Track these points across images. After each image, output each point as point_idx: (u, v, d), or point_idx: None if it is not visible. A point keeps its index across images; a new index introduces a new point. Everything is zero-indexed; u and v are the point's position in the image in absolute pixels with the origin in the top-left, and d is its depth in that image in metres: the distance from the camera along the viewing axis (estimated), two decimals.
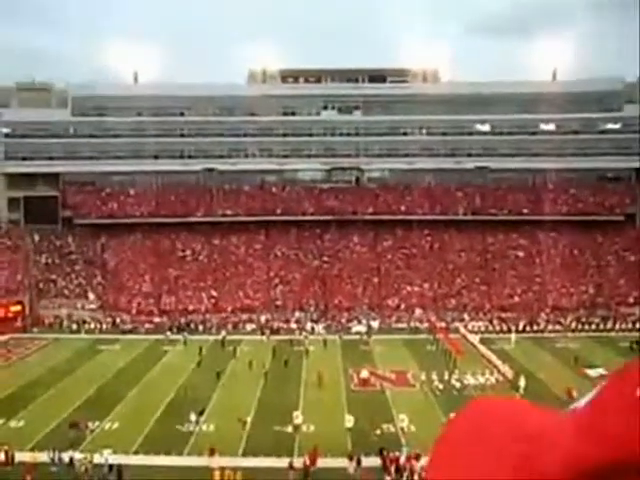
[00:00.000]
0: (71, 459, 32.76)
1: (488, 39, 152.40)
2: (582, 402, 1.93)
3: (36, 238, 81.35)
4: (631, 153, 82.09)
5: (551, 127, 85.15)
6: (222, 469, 31.05)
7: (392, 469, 31.66)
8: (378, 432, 37.57)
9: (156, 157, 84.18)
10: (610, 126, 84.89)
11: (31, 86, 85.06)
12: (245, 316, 72.21)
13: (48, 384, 47.88)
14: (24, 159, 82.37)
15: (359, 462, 32.70)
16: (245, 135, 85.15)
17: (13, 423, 39.81)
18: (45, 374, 51.05)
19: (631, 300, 74.09)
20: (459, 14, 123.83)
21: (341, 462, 32.90)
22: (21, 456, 33.53)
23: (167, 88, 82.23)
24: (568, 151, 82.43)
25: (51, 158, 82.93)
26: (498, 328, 68.99)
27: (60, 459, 32.89)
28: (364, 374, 49.89)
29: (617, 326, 68.99)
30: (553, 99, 79.21)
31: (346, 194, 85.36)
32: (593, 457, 1.59)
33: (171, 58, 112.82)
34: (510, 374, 47.64)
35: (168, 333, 65.92)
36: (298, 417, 39.07)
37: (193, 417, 39.28)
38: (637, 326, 68.36)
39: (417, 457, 32.10)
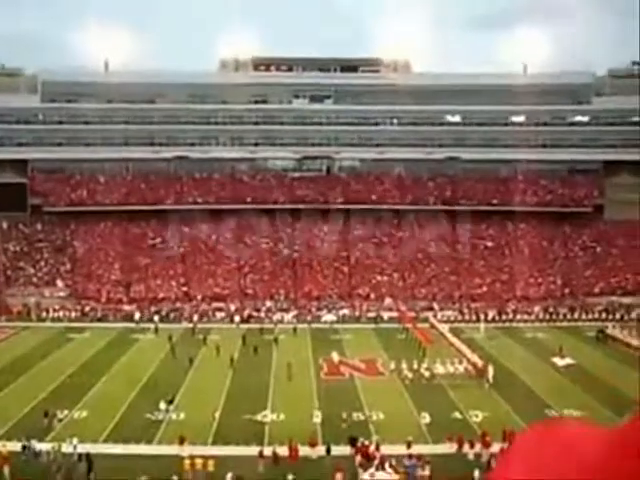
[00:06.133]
0: (38, 449, 32.60)
1: (460, 31, 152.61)
2: None
3: (4, 225, 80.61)
4: (600, 145, 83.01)
5: (521, 119, 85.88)
6: (192, 458, 31.08)
7: (362, 457, 31.87)
8: (347, 421, 37.74)
9: (126, 144, 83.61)
10: (579, 118, 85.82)
11: (0, 71, 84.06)
12: (215, 304, 72.07)
13: (17, 373, 47.50)
14: None
15: (329, 451, 32.90)
16: (216, 123, 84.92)
17: None
18: (13, 363, 50.61)
19: (597, 290, 75.07)
20: (431, 6, 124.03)
21: (311, 450, 33.08)
22: None
23: (138, 75, 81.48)
24: (538, 143, 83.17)
25: (20, 144, 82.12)
26: (467, 317, 69.61)
27: (28, 448, 32.69)
28: (335, 358, 50.36)
29: (584, 316, 69.78)
30: (524, 91, 79.70)
31: (317, 183, 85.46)
32: None
33: (142, 45, 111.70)
34: (479, 363, 48.04)
35: (138, 320, 65.99)
36: (267, 408, 39.21)
37: (163, 406, 39.22)
38: (603, 316, 69.25)
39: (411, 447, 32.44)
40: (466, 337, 59.45)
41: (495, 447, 31.78)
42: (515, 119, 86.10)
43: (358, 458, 32.02)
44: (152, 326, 63.27)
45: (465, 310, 71.54)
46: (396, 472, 30.57)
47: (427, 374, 46.74)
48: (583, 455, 1.78)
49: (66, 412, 39.13)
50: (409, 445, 32.87)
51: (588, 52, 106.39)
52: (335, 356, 51.04)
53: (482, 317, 67.70)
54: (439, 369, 47.83)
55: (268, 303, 72.71)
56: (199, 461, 30.73)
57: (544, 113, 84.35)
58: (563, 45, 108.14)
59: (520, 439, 1.85)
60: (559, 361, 51.23)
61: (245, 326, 64.24)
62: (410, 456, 31.66)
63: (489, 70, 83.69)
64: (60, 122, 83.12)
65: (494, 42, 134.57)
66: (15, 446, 32.84)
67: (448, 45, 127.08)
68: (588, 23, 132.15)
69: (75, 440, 33.02)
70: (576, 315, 70.29)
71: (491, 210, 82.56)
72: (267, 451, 32.49)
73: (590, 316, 69.67)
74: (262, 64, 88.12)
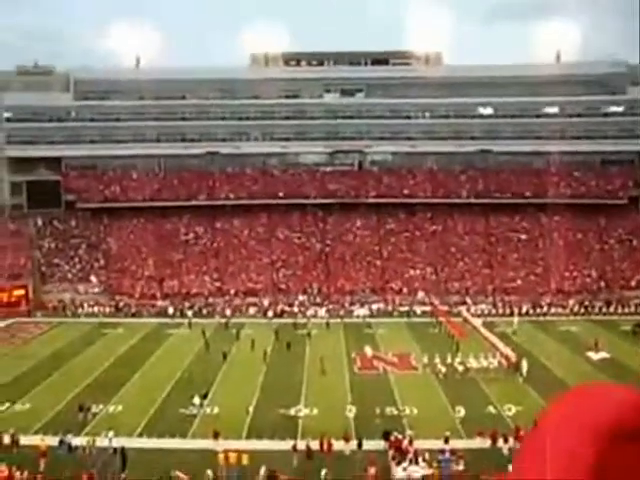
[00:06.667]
0: (73, 443, 32.92)
1: (491, 22, 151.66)
2: None
3: (39, 222, 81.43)
4: (634, 136, 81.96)
5: (554, 110, 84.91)
6: (226, 452, 31.16)
7: (395, 451, 31.77)
8: (381, 415, 37.66)
9: (158, 140, 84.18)
10: (614, 109, 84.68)
11: (33, 70, 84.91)
12: (248, 299, 72.31)
13: (52, 368, 48.03)
14: (26, 143, 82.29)
15: (360, 445, 32.85)
16: (247, 118, 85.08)
17: (18, 406, 39.96)
18: (49, 358, 51.20)
19: (633, 284, 74.12)
20: None
21: (344, 445, 33.03)
22: (26, 440, 33.64)
23: (169, 71, 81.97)
24: (571, 134, 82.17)
25: (53, 142, 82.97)
26: (501, 311, 69.08)
27: (63, 442, 33.00)
28: (368, 352, 50.28)
29: (620, 309, 68.99)
30: (556, 82, 78.82)
31: (349, 177, 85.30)
32: None
33: (173, 41, 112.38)
34: (513, 357, 47.65)
35: (171, 315, 66.56)
36: (300, 402, 39.24)
37: (197, 400, 39.36)
38: (639, 310, 68.42)
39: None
40: (500, 331, 58.99)
41: None
42: (548, 110, 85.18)
43: (391, 452, 31.94)
44: (185, 321, 63.61)
45: (499, 304, 71.02)
46: (430, 467, 30.43)
47: (460, 368, 46.43)
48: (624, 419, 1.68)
49: (101, 406, 39.47)
50: (447, 440, 32.64)
51: (622, 41, 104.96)
52: (368, 350, 50.93)
53: (516, 311, 67.13)
54: (472, 363, 47.46)
55: (301, 298, 72.77)
56: (233, 455, 30.80)
57: (578, 104, 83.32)
58: (597, 34, 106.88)
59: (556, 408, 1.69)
60: (594, 355, 50.68)
61: (278, 321, 64.30)
62: (443, 451, 31.50)
63: (522, 61, 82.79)
64: (92, 119, 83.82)
65: (526, 32, 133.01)
66: (52, 440, 33.16)
67: (478, 36, 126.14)
68: (621, 11, 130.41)
69: (111, 434, 33.30)
70: (612, 309, 69.49)
71: (524, 203, 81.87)
72: (301, 445, 32.52)
73: (626, 310, 68.89)
74: (293, 59, 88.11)
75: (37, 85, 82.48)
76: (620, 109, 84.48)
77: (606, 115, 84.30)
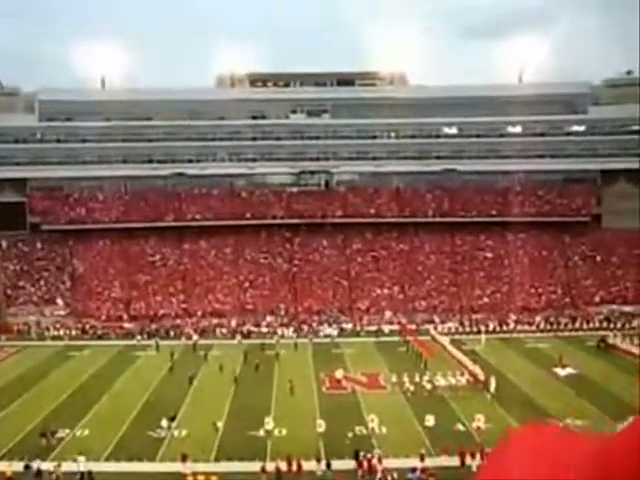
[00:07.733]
0: (39, 468, 32.51)
1: (456, 43, 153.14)
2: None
3: (4, 245, 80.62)
4: (596, 155, 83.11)
5: (518, 129, 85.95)
6: (195, 474, 31.01)
7: (364, 471, 31.82)
8: (350, 435, 37.66)
9: (124, 162, 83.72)
10: (576, 128, 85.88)
11: None
12: (216, 320, 72.02)
13: (18, 392, 47.37)
14: None
15: (329, 465, 32.82)
16: (214, 139, 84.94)
17: None
18: (15, 382, 50.54)
19: (598, 299, 75.06)
20: (427, 17, 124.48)
21: (314, 465, 32.99)
22: None
23: (135, 93, 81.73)
24: (535, 153, 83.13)
25: (18, 164, 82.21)
26: (468, 329, 69.47)
27: (29, 467, 32.61)
28: (339, 374, 50.15)
29: (585, 325, 69.74)
30: (520, 102, 79.89)
31: (315, 197, 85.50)
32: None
33: (139, 63, 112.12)
34: (481, 375, 47.96)
35: (139, 337, 66.01)
36: (269, 423, 39.14)
37: (165, 423, 39.10)
38: (604, 325, 69.20)
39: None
40: (467, 349, 59.33)
41: None
42: (512, 130, 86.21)
43: (360, 472, 31.97)
44: (153, 343, 63.15)
45: (466, 322, 71.47)
46: None
47: (429, 387, 46.63)
48: (574, 461, 1.80)
49: (67, 430, 39.04)
50: (422, 458, 32.74)
51: (584, 61, 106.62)
52: (339, 373, 50.66)
53: (483, 328, 67.56)
54: (441, 381, 47.71)
55: (268, 318, 72.65)
56: (202, 478, 30.68)
57: (541, 123, 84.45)
58: (559, 55, 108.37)
59: (513, 440, 1.82)
60: (560, 371, 51.20)
61: (246, 342, 64.03)
62: (414, 469, 31.59)
63: (486, 81, 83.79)
64: (58, 141, 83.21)
65: (491, 52, 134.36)
66: (18, 466, 32.75)
67: (443, 56, 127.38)
68: (584, 32, 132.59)
69: (81, 458, 32.90)
70: (577, 324, 70.25)
71: (489, 221, 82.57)
72: (270, 466, 32.43)
73: (591, 325, 69.70)
74: (258, 80, 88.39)
75: (1, 106, 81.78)
76: (582, 128, 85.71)
77: (568, 134, 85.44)
